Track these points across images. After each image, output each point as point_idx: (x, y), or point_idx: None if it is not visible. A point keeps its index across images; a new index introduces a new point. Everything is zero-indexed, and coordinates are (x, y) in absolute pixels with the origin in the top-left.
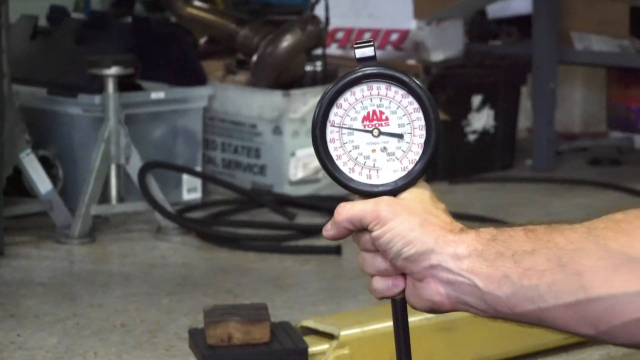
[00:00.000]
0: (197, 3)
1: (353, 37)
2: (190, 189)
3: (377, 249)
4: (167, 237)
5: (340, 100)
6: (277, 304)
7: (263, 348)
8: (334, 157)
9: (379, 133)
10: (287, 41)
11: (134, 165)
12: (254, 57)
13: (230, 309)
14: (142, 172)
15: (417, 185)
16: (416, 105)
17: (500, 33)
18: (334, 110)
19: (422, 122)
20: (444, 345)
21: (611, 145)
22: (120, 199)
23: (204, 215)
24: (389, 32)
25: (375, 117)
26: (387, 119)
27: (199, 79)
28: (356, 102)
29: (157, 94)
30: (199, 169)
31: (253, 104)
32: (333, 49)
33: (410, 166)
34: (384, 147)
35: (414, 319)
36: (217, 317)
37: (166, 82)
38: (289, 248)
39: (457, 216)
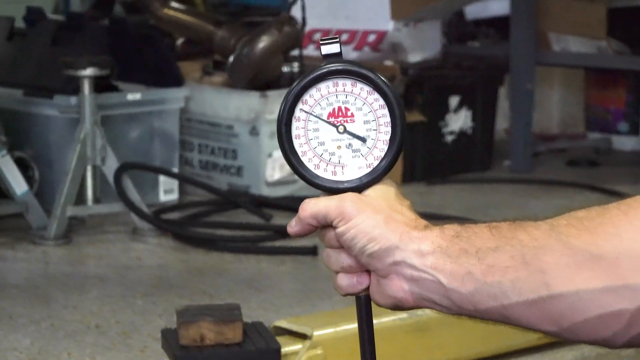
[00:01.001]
0: (174, 4)
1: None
2: (167, 190)
3: (341, 245)
4: (143, 239)
5: (306, 97)
6: (252, 305)
7: (235, 348)
8: (300, 154)
9: (344, 130)
10: (263, 42)
11: (110, 166)
12: (231, 58)
13: (203, 310)
14: (118, 174)
15: (382, 182)
16: (382, 102)
17: (478, 34)
18: (300, 106)
19: (388, 119)
20: (417, 345)
21: (589, 147)
22: (96, 200)
23: (181, 217)
24: (366, 33)
25: (340, 114)
26: (352, 115)
27: (176, 80)
28: (322, 99)
29: (134, 95)
30: (175, 170)
31: (230, 105)
32: (310, 50)
33: (376, 163)
34: (350, 144)
35: (388, 319)
36: (190, 317)
37: (143, 83)
38: (265, 249)
39: (435, 217)
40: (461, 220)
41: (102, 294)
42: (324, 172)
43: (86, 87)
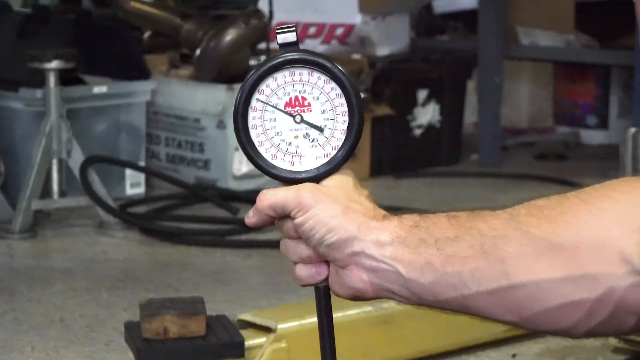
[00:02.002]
0: None
1: (298, 32)
2: (134, 184)
3: (299, 236)
4: (109, 232)
5: (262, 86)
6: (218, 298)
7: (199, 341)
8: (256, 144)
9: (301, 119)
10: (230, 35)
11: (76, 159)
12: (198, 52)
13: (166, 303)
14: (84, 167)
15: (340, 172)
16: (339, 91)
17: (447, 28)
18: (256, 96)
19: (345, 108)
20: (383, 338)
21: (557, 140)
22: (62, 193)
23: (147, 210)
24: (334, 27)
25: (297, 103)
26: (309, 105)
27: (143, 74)
28: (278, 88)
29: (100, 88)
30: (142, 163)
31: (197, 98)
32: None
33: (333, 152)
34: (307, 134)
35: (352, 312)
36: (153, 310)
37: (109, 76)
38: (231, 242)
39: (402, 211)
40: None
41: (67, 287)
42: (282, 163)
43: (52, 80)
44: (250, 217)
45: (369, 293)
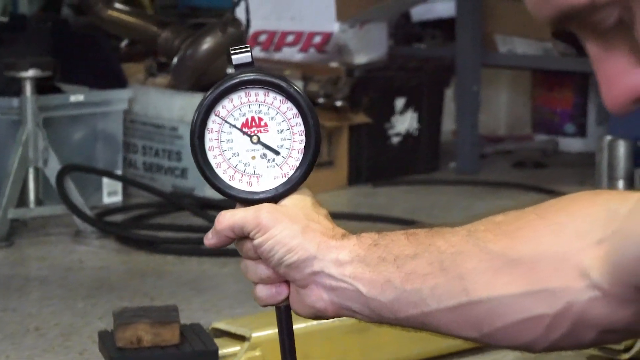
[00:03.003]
0: (118, 6)
1: (276, 40)
2: (111, 193)
3: (259, 256)
4: (86, 241)
5: (218, 108)
6: (193, 307)
7: (172, 350)
8: (214, 165)
9: (257, 140)
10: (207, 43)
11: (52, 168)
12: (175, 60)
13: (140, 311)
14: (60, 176)
15: (298, 192)
16: (295, 110)
17: (425, 36)
18: (212, 117)
19: (302, 128)
20: (357, 347)
21: (535, 148)
22: (39, 202)
23: (124, 219)
24: (311, 35)
25: (254, 124)
26: (266, 125)
27: (119, 82)
28: (234, 109)
29: (77, 97)
30: (119, 172)
31: (174, 106)
32: (256, 52)
33: (291, 172)
34: (264, 154)
35: (328, 320)
36: (127, 319)
37: (86, 85)
38: (207, 251)
39: (380, 219)
40: (407, 222)
41: (42, 296)
42: (239, 183)
43: (28, 88)
44: (209, 238)
45: (329, 312)
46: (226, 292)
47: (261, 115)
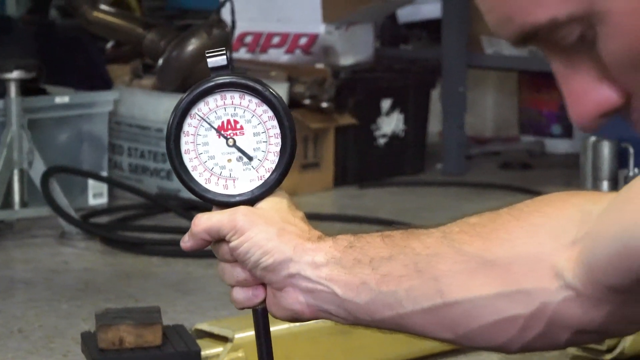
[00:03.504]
0: (104, 7)
1: (262, 41)
2: (96, 194)
3: (235, 259)
4: (71, 243)
5: (194, 111)
6: (178, 308)
7: (155, 351)
8: (190, 169)
9: (233, 143)
10: (192, 45)
11: (37, 170)
12: (160, 61)
13: (122, 312)
14: (45, 177)
15: (274, 194)
16: (271, 113)
17: (411, 37)
18: (188, 121)
19: (277, 131)
20: (340, 348)
21: (522, 149)
22: (24, 204)
23: (109, 220)
24: (298, 36)
25: (230, 127)
26: (242, 128)
27: (105, 84)
28: (210, 112)
29: (62, 99)
30: (104, 173)
31: (159, 108)
32: (242, 53)
33: (267, 175)
34: (240, 157)
35: (311, 321)
36: (109, 320)
37: (72, 86)
38: (193, 252)
39: (366, 220)
40: (394, 223)
41: (27, 298)
42: (215, 186)
43: (12, 90)
44: (186, 241)
45: (306, 314)
46: (211, 294)
47: (237, 118)
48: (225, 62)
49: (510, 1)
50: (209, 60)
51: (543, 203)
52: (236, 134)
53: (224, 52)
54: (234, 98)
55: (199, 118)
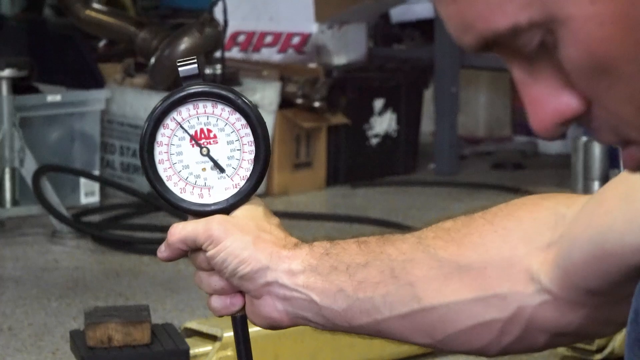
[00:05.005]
0: (96, 6)
1: (254, 41)
2: (88, 193)
3: (212, 268)
4: (62, 241)
5: (167, 121)
6: (167, 307)
7: (143, 349)
8: (164, 178)
9: (207, 152)
10: (184, 44)
11: (29, 168)
12: (152, 60)
13: (111, 311)
14: (37, 176)
15: (250, 202)
16: (244, 121)
17: (404, 37)
18: (161, 130)
19: (251, 139)
20: (328, 346)
21: (515, 150)
22: (15, 202)
23: (101, 219)
24: (290, 36)
25: (203, 136)
26: (215, 137)
27: (97, 82)
28: (183, 122)
29: (54, 97)
30: (96, 172)
31: (151, 106)
32: (235, 53)
33: (242, 183)
34: (214, 165)
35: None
36: (97, 318)
37: (64, 85)
38: None
39: (358, 220)
40: (386, 223)
41: (16, 296)
42: (190, 196)
43: (4, 88)
44: (162, 251)
45: (284, 322)
46: (201, 293)
47: (210, 127)
48: (196, 71)
49: (470, 8)
50: (180, 69)
51: (516, 207)
52: (210, 143)
53: (195, 61)
54: (206, 107)
55: (172, 128)
